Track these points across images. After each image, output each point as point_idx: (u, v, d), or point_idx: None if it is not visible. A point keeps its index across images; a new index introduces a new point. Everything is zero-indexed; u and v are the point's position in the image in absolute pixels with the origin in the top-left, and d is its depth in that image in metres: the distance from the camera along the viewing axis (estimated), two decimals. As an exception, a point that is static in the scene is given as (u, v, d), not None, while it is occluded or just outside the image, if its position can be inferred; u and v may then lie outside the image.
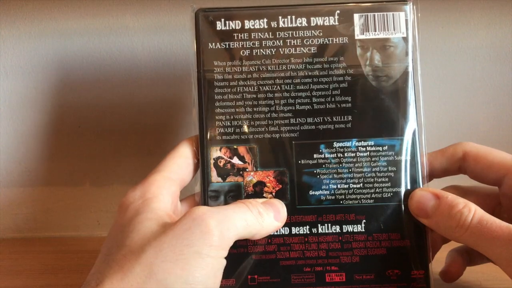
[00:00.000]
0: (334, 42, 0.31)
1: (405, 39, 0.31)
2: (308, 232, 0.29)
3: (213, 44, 0.31)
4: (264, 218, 0.27)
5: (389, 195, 0.30)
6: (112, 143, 0.43)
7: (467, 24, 0.41)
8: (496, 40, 0.41)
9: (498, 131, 0.42)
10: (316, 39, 0.31)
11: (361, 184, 0.30)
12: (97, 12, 0.41)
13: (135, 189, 0.28)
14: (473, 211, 0.26)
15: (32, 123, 0.42)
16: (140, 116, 0.42)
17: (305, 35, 0.31)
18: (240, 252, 0.29)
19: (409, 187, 0.29)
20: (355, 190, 0.30)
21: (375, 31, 0.30)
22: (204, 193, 0.30)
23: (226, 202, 0.29)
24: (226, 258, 0.26)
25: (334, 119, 0.30)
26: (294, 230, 0.29)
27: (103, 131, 0.43)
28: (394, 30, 0.31)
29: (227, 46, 0.31)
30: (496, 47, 0.42)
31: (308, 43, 0.31)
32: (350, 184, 0.30)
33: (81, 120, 0.42)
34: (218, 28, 0.31)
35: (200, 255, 0.24)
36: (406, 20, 0.31)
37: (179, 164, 0.29)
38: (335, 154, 0.30)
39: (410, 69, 0.30)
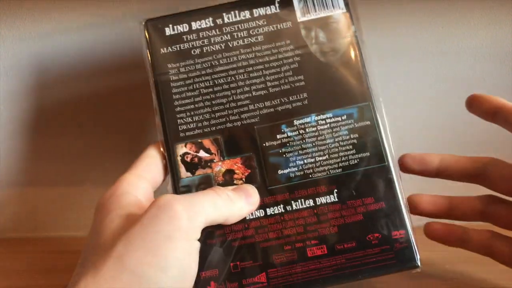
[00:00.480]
0: (279, 28, 0.32)
1: (345, 14, 0.32)
2: (283, 211, 0.30)
3: (165, 48, 0.32)
4: (234, 201, 0.28)
5: (355, 161, 0.30)
6: (113, 143, 0.43)
7: (467, 24, 0.41)
8: (496, 40, 0.41)
9: (498, 131, 0.41)
10: (261, 28, 0.32)
11: (327, 156, 0.30)
12: (97, 12, 0.41)
13: (108, 190, 0.28)
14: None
15: (32, 123, 0.42)
16: (141, 115, 0.42)
17: (250, 26, 0.32)
18: (219, 241, 0.29)
19: (373, 150, 0.30)
20: (322, 163, 0.30)
21: (315, 11, 0.32)
22: (176, 190, 0.30)
23: None
24: (206, 248, 0.26)
25: (290, 98, 0.31)
26: (269, 211, 0.30)
27: (103, 131, 0.43)
28: (333, 7, 0.32)
29: (178, 48, 0.32)
30: (496, 47, 0.41)
31: (254, 32, 0.32)
32: (316, 158, 0.30)
33: (82, 120, 0.42)
34: (167, 34, 0.32)
35: (170, 239, 0.24)
36: (344, -3, 0.32)
37: (148, 163, 0.30)
38: (297, 132, 0.31)
39: (356, 40, 0.32)
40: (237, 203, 0.28)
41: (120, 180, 0.28)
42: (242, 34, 0.32)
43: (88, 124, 0.43)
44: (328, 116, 0.31)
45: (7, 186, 0.44)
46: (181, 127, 0.31)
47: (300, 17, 0.32)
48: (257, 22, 0.32)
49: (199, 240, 0.26)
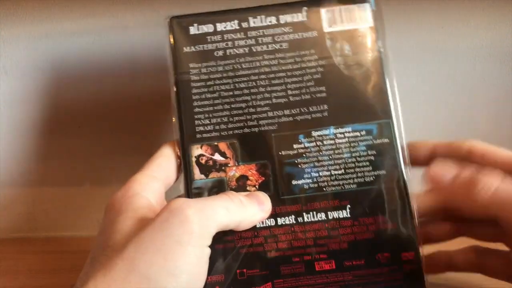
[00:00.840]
0: (304, 36, 0.32)
1: (373, 28, 0.32)
2: (294, 222, 0.29)
3: (188, 47, 0.32)
4: (246, 207, 0.27)
5: (371, 178, 0.30)
6: (113, 143, 0.43)
7: (467, 24, 0.41)
8: (496, 40, 0.41)
9: (498, 131, 0.42)
10: (286, 35, 0.32)
11: (343, 170, 0.30)
12: (97, 12, 0.41)
13: (119, 191, 0.28)
14: (498, 173, 0.26)
15: (32, 123, 0.43)
16: (141, 115, 0.42)
17: (275, 32, 0.32)
18: (228, 246, 0.29)
19: (390, 169, 0.30)
20: (337, 176, 0.30)
21: (342, 23, 0.32)
22: (188, 191, 0.30)
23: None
24: (213, 253, 0.26)
25: (310, 109, 0.31)
26: (280, 221, 0.29)
27: (103, 131, 0.43)
28: (361, 20, 0.32)
29: (201, 49, 0.32)
30: (496, 47, 0.41)
31: (279, 39, 0.32)
32: (332, 171, 0.30)
33: (81, 120, 0.42)
34: (191, 33, 0.32)
35: (181, 244, 0.24)
36: (372, 11, 0.32)
37: (161, 163, 0.30)
38: (315, 143, 0.30)
39: (381, 55, 0.31)
40: (249, 209, 0.28)
41: (132, 181, 0.28)
42: (266, 39, 0.32)
43: (88, 125, 0.43)
44: (347, 130, 0.30)
45: (8, 186, 0.44)
46: (198, 128, 0.31)
47: (326, 28, 0.32)
48: (283, 29, 0.32)
49: (209, 246, 0.25)
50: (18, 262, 0.40)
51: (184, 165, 0.30)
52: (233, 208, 0.27)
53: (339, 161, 0.30)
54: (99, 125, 0.43)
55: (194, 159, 0.30)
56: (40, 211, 0.44)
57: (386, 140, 0.30)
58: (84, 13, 0.41)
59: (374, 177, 0.30)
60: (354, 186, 0.30)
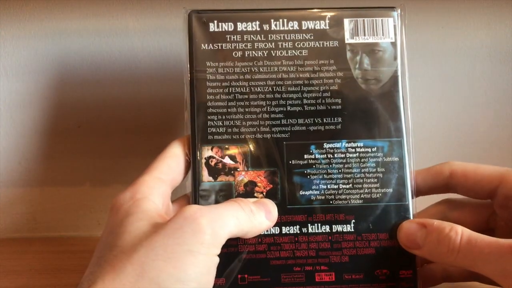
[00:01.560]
0: (325, 45, 0.31)
1: (394, 44, 0.31)
2: (298, 232, 0.30)
3: (206, 45, 0.31)
4: (255, 216, 0.27)
5: (378, 195, 0.30)
6: (112, 143, 0.43)
7: (467, 24, 0.41)
8: (496, 40, 0.42)
9: (498, 131, 0.42)
10: (307, 42, 0.31)
11: (351, 185, 0.30)
12: (98, 12, 0.41)
13: (125, 191, 0.28)
14: (460, 233, 0.26)
15: (32, 123, 0.42)
16: (141, 116, 0.42)
17: (296, 38, 0.31)
18: (231, 251, 0.29)
19: (396, 188, 0.30)
20: (345, 191, 0.30)
21: (364, 35, 0.31)
22: (195, 192, 0.30)
23: (216, 201, 0.29)
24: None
25: (324, 120, 0.31)
26: (285, 230, 0.30)
27: (103, 131, 0.42)
28: (383, 35, 0.31)
29: (219, 47, 0.31)
30: (496, 47, 0.42)
31: (299, 46, 0.31)
32: (340, 185, 0.30)
33: (81, 120, 0.42)
34: (211, 30, 0.31)
35: (192, 253, 0.24)
36: (395, 26, 0.32)
37: (170, 165, 0.29)
38: (325, 155, 0.30)
39: (399, 73, 0.31)
40: (258, 218, 0.28)
41: (140, 183, 0.28)
42: (287, 45, 0.31)
43: (89, 125, 0.42)
44: (358, 145, 0.30)
45: (8, 186, 0.43)
46: (210, 130, 0.30)
47: (348, 38, 0.31)
48: (304, 35, 0.31)
49: (218, 255, 0.26)
50: (18, 262, 0.39)
51: (193, 165, 0.30)
52: (243, 218, 0.27)
53: (348, 175, 0.30)
54: (99, 125, 0.42)
55: (204, 161, 0.30)
56: (40, 211, 0.44)
57: (395, 159, 0.30)
58: (85, 13, 0.41)
59: (380, 194, 0.30)
60: (361, 201, 0.30)
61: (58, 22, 0.41)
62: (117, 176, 0.43)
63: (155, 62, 0.42)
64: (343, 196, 0.30)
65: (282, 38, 0.31)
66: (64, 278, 0.37)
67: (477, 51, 0.42)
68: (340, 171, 0.30)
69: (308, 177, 0.30)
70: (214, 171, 0.30)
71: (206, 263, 0.24)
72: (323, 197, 0.30)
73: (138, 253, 0.23)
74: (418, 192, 0.31)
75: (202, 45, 0.31)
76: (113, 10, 0.41)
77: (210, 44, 0.31)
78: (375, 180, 0.30)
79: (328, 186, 0.30)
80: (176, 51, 0.42)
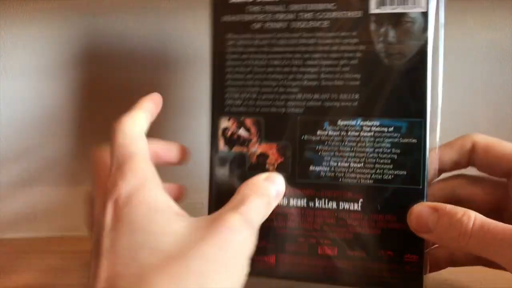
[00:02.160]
0: (348, 16, 0.30)
1: (425, 15, 0.28)
2: (305, 206, 0.30)
3: (227, 16, 0.31)
4: (271, 204, 0.28)
5: (390, 177, 0.29)
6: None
7: (467, 24, 0.41)
8: (496, 40, 0.41)
9: (498, 131, 0.43)
10: (329, 13, 0.30)
11: (362, 164, 0.30)
12: (97, 12, 0.41)
13: (124, 177, 0.25)
14: (473, 218, 0.26)
15: (32, 123, 0.43)
16: None
17: (318, 8, 0.30)
18: None
19: (411, 171, 0.29)
20: (355, 169, 0.30)
21: (392, 5, 0.29)
22: (212, 161, 0.32)
23: (231, 170, 0.31)
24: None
25: (340, 96, 0.30)
26: (292, 202, 0.31)
27: (103, 131, 0.43)
28: (414, 3, 0.29)
29: (239, 19, 0.31)
30: (496, 47, 0.42)
31: (320, 17, 0.30)
32: (351, 163, 0.30)
33: (81, 120, 0.43)
34: (230, 1, 0.31)
35: (242, 264, 0.25)
36: (430, -7, 0.28)
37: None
38: (339, 132, 0.30)
39: (428, 47, 0.29)
40: (272, 203, 0.28)
41: (136, 170, 0.26)
42: (307, 15, 0.30)
43: (89, 125, 0.43)
44: (374, 124, 0.29)
45: (7, 186, 0.44)
46: (227, 102, 0.31)
47: (373, 8, 0.29)
48: (326, 5, 0.30)
49: None
50: (18, 262, 0.39)
51: (211, 135, 0.32)
52: (268, 210, 0.28)
53: (360, 154, 0.30)
54: (100, 125, 0.42)
55: (220, 131, 0.32)
56: (40, 211, 0.44)
57: (413, 140, 0.29)
58: (84, 13, 0.41)
59: (393, 176, 0.29)
60: (371, 181, 0.29)
61: (58, 22, 0.41)
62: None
63: (157, 62, 0.42)
64: (353, 175, 0.30)
65: (302, 9, 0.30)
66: (64, 278, 0.36)
67: (477, 51, 0.42)
68: (352, 149, 0.30)
69: (319, 153, 0.30)
70: (230, 142, 0.32)
71: (244, 271, 0.25)
72: (332, 174, 0.30)
73: (193, 261, 0.23)
74: (442, 169, 0.30)
75: (223, 17, 0.31)
76: (113, 11, 0.41)
77: (231, 16, 0.31)
78: (389, 161, 0.29)
79: (339, 164, 0.30)
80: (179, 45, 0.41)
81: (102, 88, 0.43)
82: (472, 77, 0.43)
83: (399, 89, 0.29)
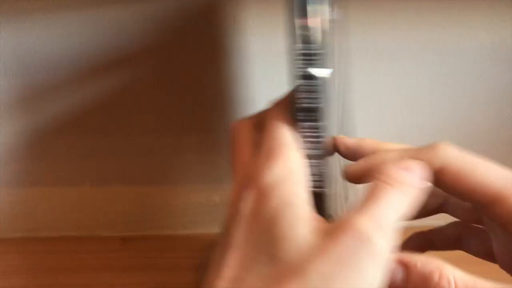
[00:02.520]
0: None
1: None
2: None
3: None
4: (413, 198, 0.22)
5: None
6: (112, 143, 0.43)
7: (467, 24, 0.40)
8: (496, 40, 0.41)
9: (498, 131, 0.43)
10: None
11: None
12: (97, 13, 0.41)
13: (270, 165, 0.22)
14: (453, 283, 0.21)
15: (32, 123, 0.43)
16: (141, 116, 0.43)
17: None
18: None
19: None
20: None
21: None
22: None
23: None
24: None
25: None
26: None
27: (103, 131, 0.43)
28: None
29: None
30: (496, 47, 0.41)
31: None
32: None
33: (81, 120, 0.43)
34: None
35: (367, 282, 0.19)
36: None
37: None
38: None
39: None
40: (413, 198, 0.22)
41: (286, 155, 0.23)
42: None
43: (89, 124, 0.43)
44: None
45: (8, 186, 0.44)
46: None
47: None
48: None
49: None
50: (18, 262, 0.39)
51: None
52: (406, 208, 0.22)
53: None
54: (100, 125, 0.42)
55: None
56: (40, 211, 0.44)
57: None
58: (84, 13, 0.40)
59: None
60: None
61: (58, 23, 0.41)
62: (117, 176, 0.44)
63: (157, 62, 0.41)
64: None
65: None
66: (64, 278, 0.37)
67: (477, 51, 0.41)
68: None
69: None
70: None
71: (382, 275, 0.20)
72: None
73: (309, 276, 0.19)
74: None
75: None
76: (112, 11, 0.40)
77: None
78: None
79: None
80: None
81: (103, 87, 0.43)
82: (472, 77, 0.43)
83: None
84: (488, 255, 0.26)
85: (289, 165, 0.22)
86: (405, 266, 0.21)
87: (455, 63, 0.42)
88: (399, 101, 0.43)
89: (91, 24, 0.41)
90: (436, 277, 0.21)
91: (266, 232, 0.20)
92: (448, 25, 0.41)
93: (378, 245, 0.19)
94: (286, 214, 0.21)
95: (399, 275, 0.21)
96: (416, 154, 0.23)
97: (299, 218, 0.21)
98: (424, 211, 0.26)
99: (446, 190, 0.24)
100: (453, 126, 0.43)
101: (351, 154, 0.26)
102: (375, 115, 0.43)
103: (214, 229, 0.45)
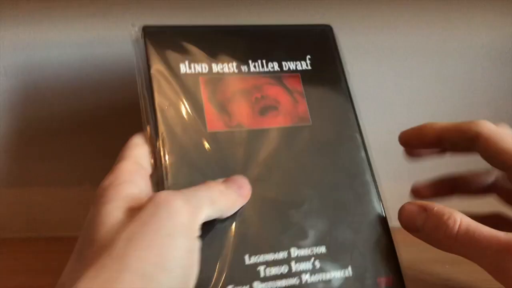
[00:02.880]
0: None
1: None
2: None
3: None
4: (227, 196, 0.27)
5: None
6: (112, 143, 0.41)
7: (467, 24, 0.41)
8: (496, 40, 0.41)
9: None
10: None
11: None
12: (98, 13, 0.41)
13: (104, 179, 0.27)
14: (458, 222, 0.26)
15: (32, 123, 0.43)
16: (141, 115, 0.42)
17: None
18: None
19: None
20: None
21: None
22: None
23: None
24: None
25: None
26: None
27: (103, 131, 0.43)
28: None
29: None
30: (496, 47, 0.42)
31: None
32: None
33: (81, 120, 0.43)
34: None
35: (172, 237, 0.23)
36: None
37: (138, 153, 0.29)
38: None
39: None
40: (231, 197, 0.27)
41: (120, 169, 0.27)
42: None
43: (89, 124, 0.42)
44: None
45: (7, 186, 0.44)
46: None
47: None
48: None
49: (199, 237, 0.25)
50: (18, 262, 0.39)
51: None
52: (217, 200, 0.26)
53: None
54: (100, 125, 0.42)
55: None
56: (40, 211, 0.44)
57: None
58: (84, 13, 0.41)
59: None
60: None
61: (57, 23, 0.41)
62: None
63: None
64: None
65: None
66: None
67: (477, 51, 0.42)
68: None
69: None
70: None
71: (188, 246, 0.23)
72: None
73: (117, 245, 0.22)
74: (442, 141, 0.31)
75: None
76: (112, 11, 0.40)
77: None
78: None
79: None
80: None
81: (103, 87, 0.43)
82: (472, 77, 0.43)
83: None
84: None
85: (116, 175, 0.26)
86: (425, 210, 0.27)
87: (455, 63, 0.42)
88: (399, 101, 0.43)
89: (94, 22, 0.41)
90: (446, 216, 0.26)
91: (91, 226, 0.24)
92: (448, 25, 0.41)
93: (177, 206, 0.23)
94: (104, 209, 0.24)
95: (420, 216, 0.27)
96: (459, 124, 0.30)
97: (114, 207, 0.24)
98: (479, 189, 0.33)
99: (481, 154, 0.29)
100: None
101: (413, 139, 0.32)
102: (375, 115, 0.43)
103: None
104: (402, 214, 0.29)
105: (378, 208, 0.30)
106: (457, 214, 0.26)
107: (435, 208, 0.27)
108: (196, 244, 0.24)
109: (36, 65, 0.42)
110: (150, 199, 0.24)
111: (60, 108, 0.43)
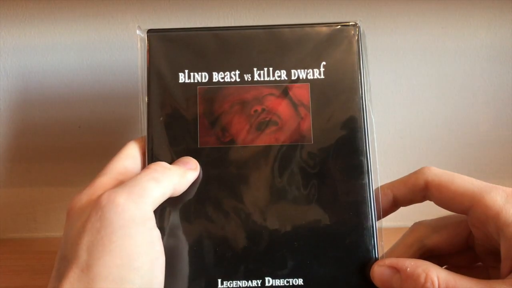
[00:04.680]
0: None
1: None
2: None
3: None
4: (172, 170, 0.26)
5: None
6: (112, 143, 0.43)
7: (467, 24, 0.41)
8: (496, 40, 0.41)
9: (498, 131, 0.43)
10: None
11: None
12: (98, 13, 0.41)
13: (81, 193, 0.27)
14: (436, 283, 0.24)
15: (32, 123, 0.43)
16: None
17: None
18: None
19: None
20: None
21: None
22: None
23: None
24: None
25: None
26: None
27: (103, 131, 0.43)
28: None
29: None
30: (496, 47, 0.42)
31: None
32: None
33: (81, 121, 0.43)
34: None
35: (129, 235, 0.23)
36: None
37: (127, 166, 0.28)
38: None
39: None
40: (177, 171, 0.26)
41: (96, 184, 0.27)
42: None
43: (89, 125, 0.42)
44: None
45: (7, 186, 0.44)
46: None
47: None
48: None
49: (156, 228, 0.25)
50: (18, 262, 0.39)
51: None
52: (160, 177, 0.25)
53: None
54: (100, 126, 0.42)
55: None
56: (40, 211, 0.44)
57: None
58: (85, 13, 0.40)
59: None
60: None
61: (58, 22, 0.41)
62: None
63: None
64: None
65: None
66: None
67: (477, 51, 0.42)
68: None
69: None
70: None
71: (147, 239, 0.24)
72: None
73: (80, 257, 0.23)
74: (397, 204, 0.29)
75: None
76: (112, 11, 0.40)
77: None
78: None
79: None
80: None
81: (103, 87, 0.43)
82: (472, 77, 0.43)
83: None
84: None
85: (94, 189, 0.26)
86: (398, 271, 0.25)
87: (455, 63, 0.42)
88: (400, 101, 0.43)
89: (95, 22, 0.41)
90: (422, 279, 0.24)
91: (66, 242, 0.25)
92: (448, 25, 0.41)
93: (120, 202, 0.23)
94: (75, 223, 0.25)
95: (394, 277, 0.25)
96: (405, 179, 0.28)
97: (75, 220, 0.25)
98: (456, 244, 0.29)
99: (436, 202, 0.28)
100: (453, 126, 0.43)
101: None
102: (375, 115, 0.43)
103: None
104: (375, 278, 0.27)
105: (369, 246, 0.27)
106: (433, 272, 0.24)
107: (408, 269, 0.25)
108: (155, 234, 0.24)
109: (37, 66, 0.42)
110: (95, 204, 0.24)
111: (60, 108, 0.43)
